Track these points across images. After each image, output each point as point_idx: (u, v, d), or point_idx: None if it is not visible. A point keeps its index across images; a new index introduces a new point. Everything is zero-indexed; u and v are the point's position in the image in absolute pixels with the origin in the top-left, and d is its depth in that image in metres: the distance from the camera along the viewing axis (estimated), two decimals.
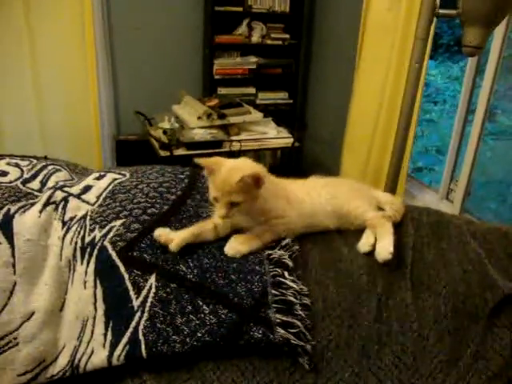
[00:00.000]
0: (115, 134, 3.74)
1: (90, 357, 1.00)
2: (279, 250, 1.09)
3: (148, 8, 3.58)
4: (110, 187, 1.19)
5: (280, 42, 3.71)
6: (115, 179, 1.24)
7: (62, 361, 1.04)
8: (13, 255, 1.05)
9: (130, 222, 1.07)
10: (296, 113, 3.92)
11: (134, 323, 0.97)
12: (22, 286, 1.05)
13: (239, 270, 1.03)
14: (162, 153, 2.75)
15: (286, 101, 3.90)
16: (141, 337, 0.96)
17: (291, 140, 3.11)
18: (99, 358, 0.99)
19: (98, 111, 3.59)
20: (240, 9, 3.55)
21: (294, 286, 1.03)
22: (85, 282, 1.03)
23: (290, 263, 1.07)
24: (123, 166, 1.34)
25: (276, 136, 3.12)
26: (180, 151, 2.75)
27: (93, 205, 1.13)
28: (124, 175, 1.26)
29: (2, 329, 1.02)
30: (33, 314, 1.05)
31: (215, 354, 0.96)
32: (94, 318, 1.02)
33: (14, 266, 1.05)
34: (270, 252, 1.08)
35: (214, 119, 2.84)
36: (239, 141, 2.89)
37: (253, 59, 3.66)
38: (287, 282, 1.03)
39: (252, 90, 3.78)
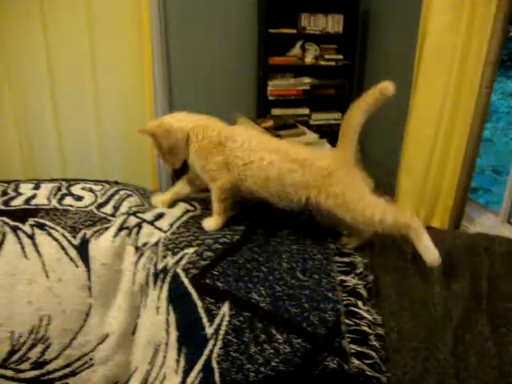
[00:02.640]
0: None
1: (162, 382, 1.02)
2: (353, 277, 1.08)
3: (202, 30, 3.66)
4: (184, 218, 1.22)
5: (333, 63, 3.71)
6: (188, 210, 1.26)
7: (134, 383, 1.06)
8: (89, 278, 1.08)
9: (203, 250, 1.08)
10: None
11: (207, 351, 0.98)
12: (97, 309, 1.08)
13: (312, 298, 1.02)
14: None
15: (339, 121, 3.88)
16: (214, 365, 0.96)
17: None
18: (172, 383, 1.00)
19: None
20: (294, 30, 3.59)
21: (368, 316, 1.01)
22: (157, 308, 1.05)
23: (365, 293, 1.05)
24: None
25: None
26: None
27: (165, 232, 1.15)
28: (195, 208, 1.28)
29: (79, 350, 1.06)
30: (107, 336, 1.08)
31: (289, 383, 0.95)
32: (167, 343, 1.03)
33: (90, 289, 1.08)
34: (343, 278, 1.07)
35: None
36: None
37: (306, 80, 3.67)
38: (361, 311, 1.02)
39: (305, 111, 3.79)
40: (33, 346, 1.04)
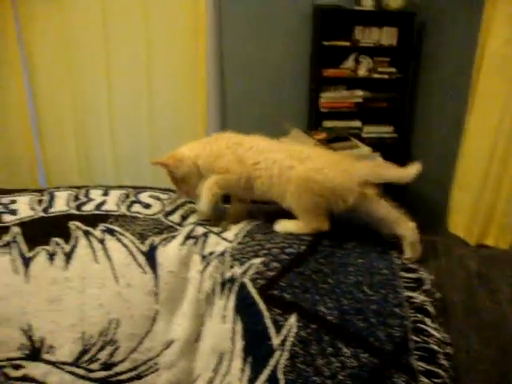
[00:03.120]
0: None
1: None
2: (420, 294, 1.06)
3: (257, 40, 3.71)
4: (248, 227, 1.23)
5: (386, 76, 3.69)
6: (251, 220, 1.28)
7: None
8: (156, 285, 1.11)
9: (270, 261, 1.09)
10: (401, 147, 3.85)
11: (273, 361, 0.98)
12: (163, 316, 1.11)
13: (379, 313, 1.01)
14: None
15: (391, 135, 3.85)
16: (280, 375, 0.97)
17: None
18: None
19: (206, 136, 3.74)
20: (347, 43, 3.58)
21: (436, 334, 1.00)
22: (224, 317, 1.06)
23: (432, 310, 1.03)
24: None
25: None
26: None
27: (231, 242, 1.17)
28: (258, 218, 1.29)
29: (144, 354, 1.09)
30: (172, 342, 1.10)
31: None
32: (232, 352, 1.04)
33: (157, 295, 1.11)
34: (410, 295, 1.06)
35: None
36: None
37: (359, 93, 3.66)
38: (429, 329, 1.00)
39: (357, 124, 3.77)
40: (102, 347, 1.08)
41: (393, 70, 3.71)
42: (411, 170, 1.14)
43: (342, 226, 1.25)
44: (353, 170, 1.16)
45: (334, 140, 3.10)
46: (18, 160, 3.82)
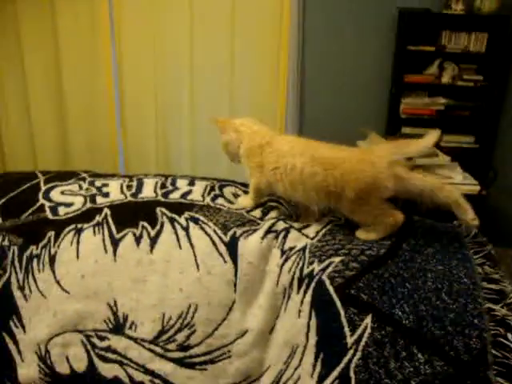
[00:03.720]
0: None
1: (295, 383, 1.05)
2: (502, 307, 1.04)
3: (339, 41, 3.71)
4: (329, 226, 1.25)
5: (471, 84, 3.56)
6: (332, 220, 1.29)
7: (266, 380, 1.11)
8: (235, 275, 1.15)
9: (349, 261, 1.10)
10: (482, 159, 3.71)
11: (346, 360, 0.99)
12: (239, 305, 1.14)
13: (457, 322, 1.00)
14: None
15: (471, 145, 3.72)
16: (352, 374, 0.98)
17: (477, 188, 2.96)
18: None
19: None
20: (432, 48, 3.49)
21: None
22: (299, 312, 1.08)
23: None
24: None
25: (462, 182, 2.99)
26: None
27: (312, 239, 1.19)
28: (340, 219, 1.31)
29: (219, 340, 1.12)
30: (246, 332, 1.13)
31: None
32: (305, 347, 1.06)
33: (235, 285, 1.14)
34: (491, 307, 1.04)
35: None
36: None
37: (441, 100, 3.56)
38: (511, 344, 0.97)
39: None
40: (180, 329, 1.13)
41: (479, 77, 3.57)
42: (430, 139, 1.21)
43: (423, 231, 1.24)
44: (376, 158, 1.18)
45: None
46: (101, 147, 4.02)
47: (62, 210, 1.29)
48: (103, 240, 1.20)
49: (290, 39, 3.61)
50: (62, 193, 1.36)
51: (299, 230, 1.22)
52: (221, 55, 3.73)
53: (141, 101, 3.87)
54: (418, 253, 1.15)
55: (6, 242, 1.24)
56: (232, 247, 1.17)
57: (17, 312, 1.19)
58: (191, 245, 1.18)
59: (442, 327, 1.00)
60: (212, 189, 1.39)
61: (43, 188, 1.39)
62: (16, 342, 1.18)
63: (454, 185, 1.19)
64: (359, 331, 1.01)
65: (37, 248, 1.22)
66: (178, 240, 1.19)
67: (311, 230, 1.22)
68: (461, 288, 1.08)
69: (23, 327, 1.18)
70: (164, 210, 1.26)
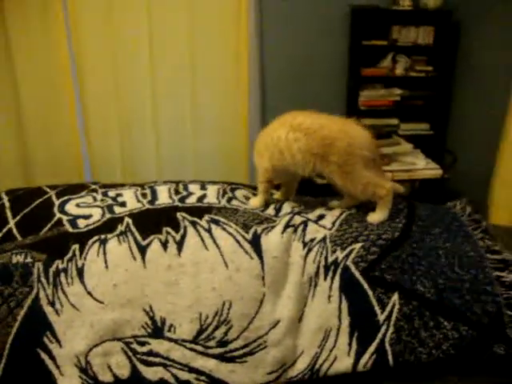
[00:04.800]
0: None
1: (332, 363, 1.13)
2: (508, 273, 1.16)
3: (295, 42, 3.81)
4: (343, 215, 1.35)
5: (423, 74, 3.76)
6: (344, 211, 1.39)
7: (301, 365, 1.18)
8: (262, 269, 1.22)
9: (369, 246, 1.20)
10: (437, 144, 3.92)
11: (380, 335, 1.09)
12: (269, 297, 1.21)
13: (472, 291, 1.12)
14: (320, 180, 2.90)
15: (427, 132, 3.92)
16: (387, 347, 1.08)
17: (440, 172, 3.14)
18: (343, 364, 1.12)
19: (248, 136, 3.86)
20: (385, 42, 3.67)
21: None
22: (329, 297, 1.17)
23: None
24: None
25: (425, 167, 3.17)
26: None
27: (330, 229, 1.28)
28: (350, 209, 1.42)
29: (255, 333, 1.19)
30: (278, 322, 1.20)
31: (455, 366, 1.05)
32: (338, 329, 1.15)
33: (263, 279, 1.22)
34: (499, 274, 1.16)
35: None
36: (390, 171, 2.97)
37: (397, 91, 3.74)
38: None
39: (395, 121, 3.84)
40: (217, 327, 1.19)
41: (429, 68, 3.78)
42: None
43: (426, 214, 1.36)
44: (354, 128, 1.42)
45: (376, 137, 3.17)
46: (65, 158, 3.91)
47: (81, 223, 1.32)
48: (130, 248, 1.24)
49: (249, 38, 3.66)
50: (78, 205, 1.39)
51: (315, 221, 1.31)
52: (181, 55, 3.72)
53: (103, 109, 3.79)
54: (426, 234, 1.27)
55: (29, 259, 1.25)
56: (255, 244, 1.24)
57: (50, 327, 1.20)
58: (217, 245, 1.24)
59: (461, 296, 1.11)
60: (225, 192, 1.46)
61: (56, 202, 1.41)
62: (53, 357, 1.19)
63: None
64: (388, 308, 1.10)
65: (62, 262, 1.24)
66: (203, 242, 1.25)
67: (327, 221, 1.32)
68: (469, 261, 1.20)
69: (58, 342, 1.19)
70: (184, 214, 1.31)
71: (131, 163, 3.93)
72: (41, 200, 1.43)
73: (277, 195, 1.55)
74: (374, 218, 1.33)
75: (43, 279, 1.23)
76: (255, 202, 1.45)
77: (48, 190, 1.49)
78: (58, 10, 3.49)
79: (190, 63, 3.71)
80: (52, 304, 1.21)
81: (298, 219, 1.31)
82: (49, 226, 1.32)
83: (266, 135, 1.44)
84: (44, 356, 1.19)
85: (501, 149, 3.07)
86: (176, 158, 3.92)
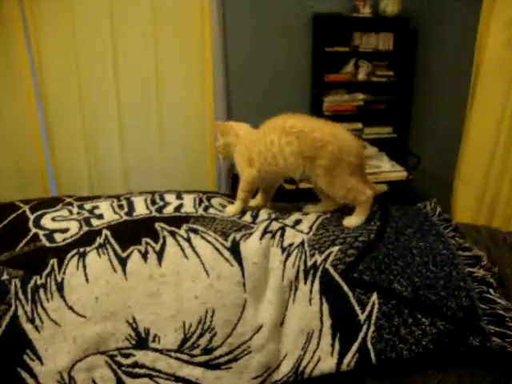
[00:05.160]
0: (230, 167, 3.99)
1: (316, 364, 1.16)
2: (479, 269, 1.22)
3: (259, 49, 3.88)
4: (320, 220, 1.38)
5: (385, 79, 3.87)
6: (320, 215, 1.42)
7: (285, 368, 1.20)
8: (243, 276, 1.24)
9: (346, 248, 1.23)
10: (400, 147, 4.02)
11: (362, 334, 1.12)
12: (251, 303, 1.23)
13: (447, 287, 1.16)
14: (288, 186, 2.95)
15: (390, 135, 4.03)
16: (369, 346, 1.11)
17: (405, 173, 3.23)
18: (327, 365, 1.15)
19: (213, 146, 3.87)
20: (347, 49, 3.76)
21: (501, 301, 1.15)
22: (310, 300, 1.19)
23: (494, 282, 1.19)
24: None
25: (390, 170, 3.25)
26: (304, 184, 2.92)
27: (307, 234, 1.31)
28: (326, 214, 1.45)
29: (238, 338, 1.20)
30: (261, 327, 1.22)
31: (435, 360, 1.09)
32: (320, 330, 1.17)
33: (244, 285, 1.23)
34: (471, 270, 1.21)
35: None
36: None
37: (360, 96, 3.83)
38: (494, 298, 1.15)
39: (359, 126, 3.94)
40: (201, 334, 1.19)
41: (390, 73, 3.90)
42: None
43: (398, 215, 1.41)
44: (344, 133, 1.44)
45: None
46: (29, 172, 3.85)
47: (58, 237, 1.31)
48: (110, 260, 1.24)
49: (212, 46, 3.71)
50: (54, 219, 1.38)
51: (293, 227, 1.34)
52: (145, 65, 3.74)
53: (67, 120, 3.77)
54: (400, 234, 1.31)
55: (5, 276, 1.22)
56: (235, 251, 1.26)
57: (30, 345, 1.17)
58: (197, 254, 1.25)
59: (436, 293, 1.16)
60: (201, 200, 1.47)
61: (31, 217, 1.39)
62: (34, 376, 1.16)
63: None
64: (368, 308, 1.14)
65: (41, 277, 1.22)
66: (183, 251, 1.26)
67: (304, 226, 1.34)
68: (443, 259, 1.25)
69: (40, 359, 1.17)
70: (162, 224, 1.32)
71: (97, 174, 3.90)
72: (14, 215, 1.40)
73: (253, 202, 1.57)
74: (351, 222, 1.36)
75: (21, 296, 1.20)
76: (232, 209, 1.46)
77: (21, 204, 1.47)
78: (16, 20, 3.43)
79: (154, 73, 3.74)
80: (32, 321, 1.19)
81: (275, 225, 1.33)
82: (24, 241, 1.30)
83: (258, 142, 1.44)
84: (25, 375, 1.16)
85: (461, 150, 3.18)
86: (142, 168, 3.91)
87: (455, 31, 3.44)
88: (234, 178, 3.83)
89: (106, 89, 3.74)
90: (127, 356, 1.18)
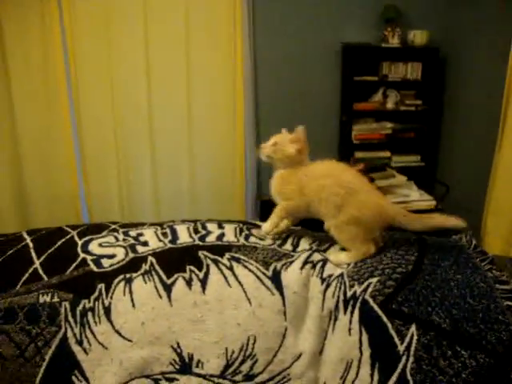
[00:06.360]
0: (258, 194, 4.04)
1: None
2: None
3: (289, 78, 3.97)
4: None
5: (413, 108, 3.90)
6: None
7: None
8: (284, 304, 1.28)
9: (385, 280, 1.26)
10: (428, 175, 4.03)
11: (401, 365, 1.15)
12: (291, 331, 1.27)
13: (486, 320, 1.18)
14: None
15: (418, 164, 4.04)
16: (409, 377, 1.13)
17: (433, 202, 3.24)
18: None
19: (243, 173, 3.95)
20: (375, 78, 3.81)
21: None
22: (349, 330, 1.22)
23: None
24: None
25: (419, 199, 3.27)
26: None
27: (347, 266, 1.35)
28: None
29: (279, 366, 1.24)
30: (301, 355, 1.25)
31: None
32: (359, 360, 1.20)
33: (285, 313, 1.27)
34: (509, 304, 1.23)
35: None
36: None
37: (388, 125, 3.87)
38: None
39: (387, 154, 3.97)
40: (243, 361, 1.23)
41: (418, 102, 3.94)
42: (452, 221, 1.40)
43: (435, 247, 1.43)
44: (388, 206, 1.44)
45: (372, 170, 3.29)
46: (62, 197, 3.96)
47: (105, 262, 1.37)
48: (155, 287, 1.29)
49: (244, 77, 3.80)
50: (100, 245, 1.44)
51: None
52: (178, 98, 3.85)
53: (101, 148, 3.89)
54: (437, 266, 1.34)
55: (55, 299, 1.28)
56: (276, 280, 1.30)
57: (78, 366, 1.22)
58: (239, 282, 1.30)
59: (475, 325, 1.18)
60: (241, 230, 1.52)
61: (79, 242, 1.45)
62: None
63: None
64: (407, 339, 1.16)
65: (89, 301, 1.28)
66: (225, 279, 1.30)
67: None
68: (480, 292, 1.26)
69: (87, 380, 1.22)
70: (206, 252, 1.37)
71: (128, 202, 3.97)
72: (63, 240, 1.47)
73: (282, 224, 1.58)
74: (340, 258, 1.39)
75: (70, 318, 1.26)
76: (266, 226, 1.50)
77: (69, 229, 1.54)
78: (57, 52, 3.57)
79: (186, 103, 3.82)
80: (80, 343, 1.24)
81: (317, 256, 1.37)
82: (74, 265, 1.36)
83: (312, 178, 1.46)
84: None
85: (491, 179, 3.18)
86: (173, 198, 3.97)
87: (484, 61, 3.48)
88: (262, 205, 3.88)
89: (140, 118, 3.85)
90: (171, 380, 1.22)
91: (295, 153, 1.52)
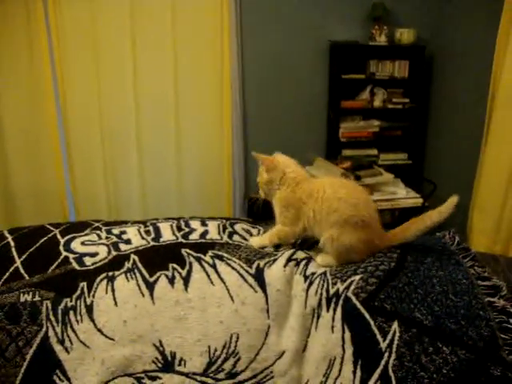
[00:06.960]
0: (245, 193, 4.04)
1: None
2: (499, 299, 1.24)
3: (277, 76, 3.97)
4: None
5: (400, 106, 3.92)
6: None
7: None
8: (267, 302, 1.27)
9: (367, 277, 1.26)
10: (415, 173, 4.05)
11: (383, 362, 1.15)
12: (274, 329, 1.27)
13: (467, 316, 1.18)
14: None
15: (405, 161, 4.06)
16: (391, 373, 1.13)
17: (420, 200, 3.25)
18: None
19: (230, 172, 3.95)
20: (363, 76, 3.82)
21: None
22: (332, 327, 1.22)
23: None
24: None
25: (406, 196, 3.28)
26: None
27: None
28: None
29: (261, 363, 1.24)
30: (284, 353, 1.25)
31: None
32: (342, 357, 1.20)
33: (268, 311, 1.27)
34: (490, 300, 1.24)
35: None
36: (374, 201, 3.05)
37: (376, 123, 3.88)
38: None
39: (374, 152, 3.99)
40: (226, 359, 1.23)
41: (406, 100, 3.95)
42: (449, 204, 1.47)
43: (418, 244, 1.44)
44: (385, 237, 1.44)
45: (358, 168, 3.30)
46: (48, 194, 3.92)
47: (88, 261, 1.36)
48: (138, 285, 1.28)
49: (231, 76, 3.79)
50: (83, 243, 1.43)
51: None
52: (165, 96, 3.83)
53: (88, 145, 3.85)
54: (420, 263, 1.34)
55: (37, 298, 1.27)
56: (259, 278, 1.30)
57: (60, 365, 1.21)
58: (222, 280, 1.29)
59: (456, 322, 1.18)
60: (225, 227, 1.52)
61: (62, 240, 1.44)
62: None
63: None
64: (390, 336, 1.16)
65: (71, 300, 1.27)
66: (208, 277, 1.30)
67: None
68: (462, 288, 1.27)
69: (68, 380, 1.20)
70: (188, 250, 1.37)
71: (115, 199, 3.94)
72: (45, 238, 1.45)
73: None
74: (323, 261, 1.38)
75: (52, 317, 1.25)
76: (257, 242, 1.48)
77: (52, 228, 1.52)
78: (44, 52, 3.54)
79: (174, 103, 3.81)
80: (61, 342, 1.23)
81: (300, 254, 1.37)
82: (55, 264, 1.35)
83: (312, 199, 1.41)
84: None
85: (477, 177, 3.20)
86: (160, 196, 3.95)
87: (470, 59, 3.49)
88: (249, 201, 3.87)
89: (127, 116, 3.83)
90: (154, 379, 1.21)
91: (266, 182, 1.49)
